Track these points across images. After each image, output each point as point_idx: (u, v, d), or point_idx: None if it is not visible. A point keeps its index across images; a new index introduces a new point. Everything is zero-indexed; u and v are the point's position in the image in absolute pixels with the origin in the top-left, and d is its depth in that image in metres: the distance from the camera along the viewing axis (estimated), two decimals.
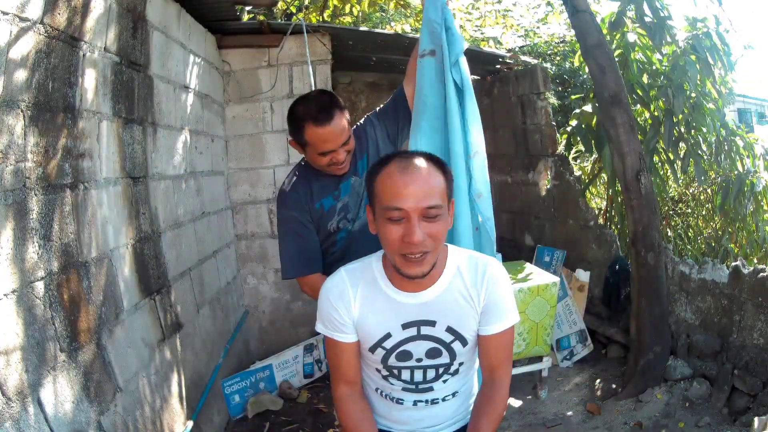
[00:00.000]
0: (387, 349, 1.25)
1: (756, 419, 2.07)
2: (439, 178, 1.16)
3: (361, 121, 1.87)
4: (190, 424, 2.33)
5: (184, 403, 2.37)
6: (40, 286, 1.45)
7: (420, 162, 1.16)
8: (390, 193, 1.13)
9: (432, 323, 1.24)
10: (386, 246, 1.17)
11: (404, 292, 1.23)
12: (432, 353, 1.26)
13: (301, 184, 1.73)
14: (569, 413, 2.84)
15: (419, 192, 1.11)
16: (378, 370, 1.30)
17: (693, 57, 3.50)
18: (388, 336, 1.24)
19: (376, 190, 1.17)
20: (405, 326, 1.24)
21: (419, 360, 1.26)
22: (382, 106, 1.88)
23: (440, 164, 1.20)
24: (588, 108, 3.87)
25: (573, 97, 5.03)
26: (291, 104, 1.65)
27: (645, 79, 3.75)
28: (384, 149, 1.77)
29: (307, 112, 1.58)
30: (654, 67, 3.79)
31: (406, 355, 1.26)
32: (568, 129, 4.17)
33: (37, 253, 1.46)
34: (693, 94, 3.50)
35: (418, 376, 1.29)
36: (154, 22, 2.35)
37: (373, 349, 1.26)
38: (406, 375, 1.28)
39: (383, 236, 1.15)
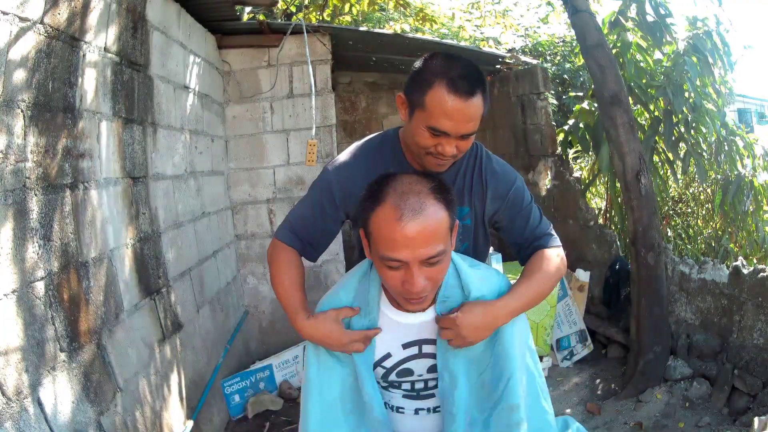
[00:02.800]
0: (387, 368, 1.24)
1: (756, 419, 2.07)
2: (440, 215, 1.03)
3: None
4: (190, 424, 2.33)
5: (184, 403, 2.37)
6: (40, 286, 1.45)
7: (419, 201, 1.02)
8: (386, 241, 1.02)
9: (433, 341, 1.22)
10: (385, 284, 1.14)
11: (405, 313, 1.20)
12: (433, 369, 1.24)
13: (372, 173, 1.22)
14: (569, 413, 2.84)
15: (419, 241, 1.00)
16: (378, 382, 1.29)
17: (693, 58, 3.51)
18: (388, 356, 1.23)
19: (370, 229, 1.06)
20: (406, 346, 1.22)
21: (420, 375, 1.25)
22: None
23: (442, 191, 1.06)
24: (586, 106, 3.87)
25: (571, 94, 5.03)
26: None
27: (643, 79, 3.75)
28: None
29: (445, 70, 1.17)
30: (650, 68, 3.79)
31: (407, 373, 1.24)
32: (566, 127, 4.16)
33: (37, 253, 1.45)
34: (692, 94, 3.50)
35: (419, 385, 1.27)
36: (154, 22, 2.35)
37: (372, 368, 1.24)
38: (406, 386, 1.27)
39: (381, 277, 1.11)
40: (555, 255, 1.35)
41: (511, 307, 1.20)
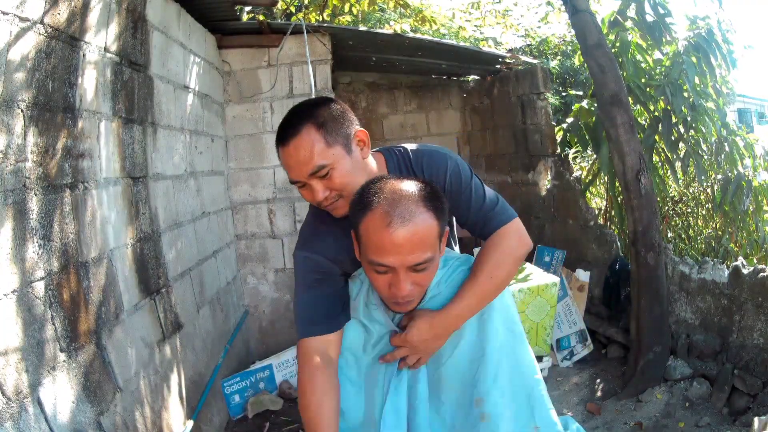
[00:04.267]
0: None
1: (756, 419, 2.07)
2: (429, 223, 1.04)
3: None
4: (190, 424, 2.33)
5: (184, 403, 2.37)
6: (40, 286, 1.45)
7: (408, 208, 1.02)
8: (375, 246, 1.04)
9: None
10: (373, 287, 1.16)
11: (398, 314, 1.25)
12: None
13: (330, 234, 1.26)
14: (569, 413, 2.84)
15: (407, 248, 1.02)
16: None
17: (693, 57, 3.50)
18: None
19: (360, 232, 1.07)
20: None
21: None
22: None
23: (433, 199, 1.07)
24: (585, 105, 3.87)
25: (571, 92, 5.02)
26: None
27: (642, 79, 3.75)
28: None
29: (279, 127, 1.21)
30: (649, 68, 3.79)
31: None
32: (564, 126, 4.16)
33: (37, 253, 1.45)
34: (692, 94, 3.50)
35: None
36: (154, 22, 2.35)
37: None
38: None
39: (369, 279, 1.12)
40: (506, 235, 1.28)
41: (459, 311, 1.19)
